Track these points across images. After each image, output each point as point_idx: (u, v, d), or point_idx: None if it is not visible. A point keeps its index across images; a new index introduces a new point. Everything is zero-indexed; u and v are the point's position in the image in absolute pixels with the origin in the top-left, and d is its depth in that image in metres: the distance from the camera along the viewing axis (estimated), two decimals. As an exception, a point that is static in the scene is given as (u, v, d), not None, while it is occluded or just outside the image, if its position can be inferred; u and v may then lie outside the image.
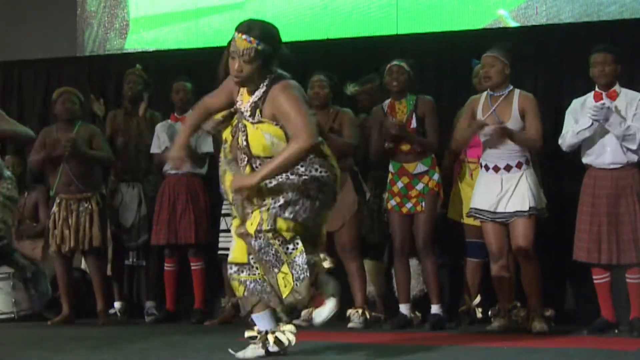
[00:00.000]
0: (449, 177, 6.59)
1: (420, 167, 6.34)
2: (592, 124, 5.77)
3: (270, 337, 4.55)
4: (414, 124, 6.34)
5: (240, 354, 4.60)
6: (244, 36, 4.31)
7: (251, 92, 4.43)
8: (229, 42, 4.39)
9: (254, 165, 4.40)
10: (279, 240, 4.32)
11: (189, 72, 7.67)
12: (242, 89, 4.47)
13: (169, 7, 8.30)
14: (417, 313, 6.47)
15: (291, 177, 4.33)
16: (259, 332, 4.60)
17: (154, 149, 7.22)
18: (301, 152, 4.27)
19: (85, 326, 6.84)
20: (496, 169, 5.93)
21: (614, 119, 5.72)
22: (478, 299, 6.52)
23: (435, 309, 6.33)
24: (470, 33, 7.30)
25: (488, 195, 5.91)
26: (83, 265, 7.34)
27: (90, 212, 6.95)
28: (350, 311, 6.42)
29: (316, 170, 4.36)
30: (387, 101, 6.47)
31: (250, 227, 4.35)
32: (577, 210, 5.95)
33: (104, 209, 7.04)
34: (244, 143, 4.38)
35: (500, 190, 5.88)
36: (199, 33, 8.15)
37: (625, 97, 5.86)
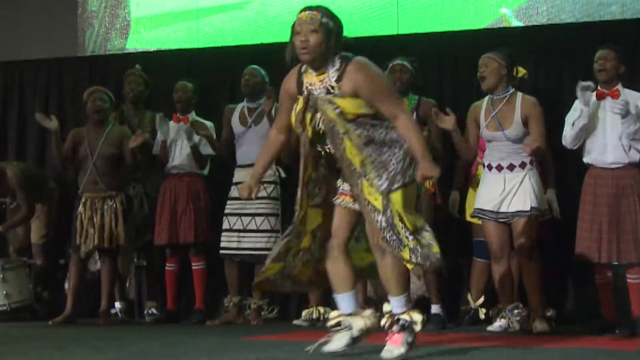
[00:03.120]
0: (464, 180, 6.60)
1: (417, 168, 6.33)
2: (582, 110, 5.76)
3: (355, 322, 4.51)
4: (413, 124, 6.34)
5: (326, 348, 4.51)
6: (307, 12, 4.43)
7: (317, 72, 4.44)
8: (292, 27, 4.46)
9: (352, 127, 4.36)
10: (401, 223, 4.32)
11: (190, 72, 7.67)
12: (304, 76, 4.48)
13: (170, 7, 8.30)
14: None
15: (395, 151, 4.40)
16: (342, 316, 4.54)
17: (157, 150, 7.22)
18: (416, 125, 4.45)
19: (86, 326, 6.84)
20: (499, 168, 5.93)
21: (630, 117, 5.69)
22: (482, 300, 6.52)
23: (435, 309, 6.34)
24: (471, 33, 7.29)
25: (491, 195, 5.90)
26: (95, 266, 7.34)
27: (114, 211, 6.95)
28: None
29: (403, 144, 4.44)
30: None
31: (375, 201, 4.32)
32: (578, 209, 5.96)
33: (129, 210, 7.04)
34: (337, 111, 4.34)
35: (503, 189, 5.88)
36: (200, 33, 8.15)
37: (628, 96, 5.86)
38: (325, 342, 4.52)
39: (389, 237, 4.33)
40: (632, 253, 5.77)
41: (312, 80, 4.48)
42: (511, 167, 5.90)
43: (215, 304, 7.28)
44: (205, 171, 7.22)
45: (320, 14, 4.42)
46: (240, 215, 6.77)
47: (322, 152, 4.52)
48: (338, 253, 4.55)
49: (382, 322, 4.46)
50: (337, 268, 4.56)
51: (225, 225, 6.86)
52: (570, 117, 5.94)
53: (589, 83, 5.73)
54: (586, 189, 5.92)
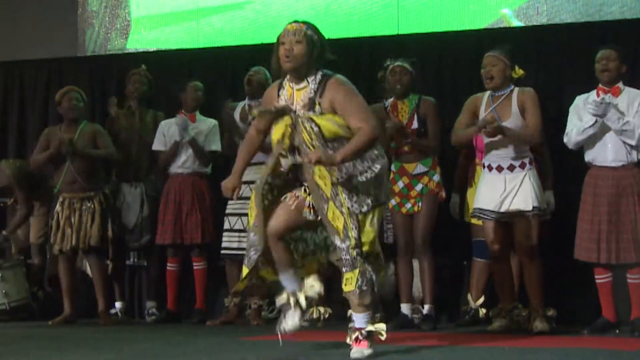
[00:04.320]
0: (463, 182, 6.61)
1: (420, 168, 6.34)
2: (596, 120, 5.77)
3: (301, 296, 4.74)
4: (415, 124, 6.35)
5: (281, 328, 4.74)
6: (294, 23, 4.63)
7: (298, 85, 4.61)
8: (277, 38, 4.64)
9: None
10: (357, 248, 4.53)
11: (191, 72, 7.67)
12: (283, 90, 4.65)
13: (171, 7, 8.30)
14: (421, 312, 6.44)
15: (362, 175, 4.56)
16: (289, 294, 4.75)
17: (158, 146, 7.21)
18: (369, 142, 4.51)
19: (86, 326, 6.84)
20: (499, 169, 5.93)
21: (612, 113, 5.71)
22: (482, 300, 6.52)
23: (427, 309, 6.32)
24: (471, 33, 7.29)
25: (491, 195, 5.90)
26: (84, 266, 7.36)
27: (92, 211, 6.97)
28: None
29: (375, 167, 4.60)
30: (390, 100, 6.48)
31: (339, 225, 4.51)
32: (578, 209, 5.96)
33: (106, 209, 7.05)
34: (315, 129, 4.52)
35: (503, 190, 5.88)
36: (200, 33, 8.15)
37: (628, 95, 5.87)
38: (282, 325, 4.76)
39: (344, 256, 4.54)
40: (631, 253, 5.77)
41: (291, 93, 4.63)
42: (511, 168, 5.90)
43: (215, 304, 7.28)
44: (209, 169, 7.21)
45: (306, 26, 4.62)
46: (240, 215, 6.76)
47: (293, 164, 4.65)
48: (275, 241, 4.68)
49: (347, 338, 4.65)
50: (277, 253, 4.70)
51: (226, 226, 6.86)
52: (573, 115, 5.93)
53: (607, 100, 5.73)
54: (586, 188, 5.92)
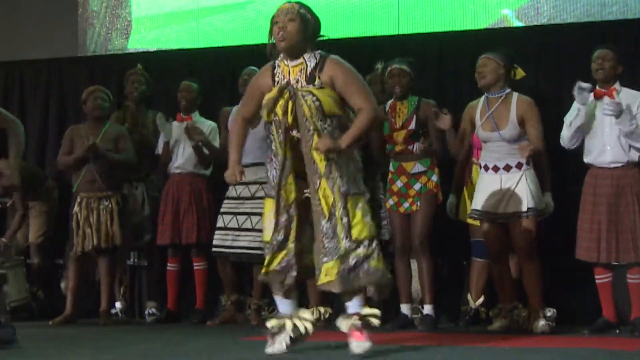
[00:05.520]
0: (461, 183, 6.60)
1: (418, 167, 6.34)
2: (579, 110, 5.77)
3: (289, 323, 4.67)
4: (413, 125, 6.35)
5: (269, 350, 4.67)
6: (287, 3, 4.61)
7: (294, 62, 4.58)
8: (271, 20, 4.63)
9: (324, 127, 4.50)
10: (345, 232, 4.46)
11: (191, 72, 7.67)
12: (278, 69, 4.62)
13: (171, 7, 8.30)
14: (420, 312, 6.44)
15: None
16: (283, 318, 4.69)
17: (160, 150, 7.22)
18: (370, 123, 4.54)
19: (86, 326, 6.84)
20: (495, 169, 5.93)
21: (625, 115, 5.70)
22: (482, 300, 6.52)
23: (428, 309, 6.31)
24: (471, 33, 7.30)
25: (488, 196, 5.91)
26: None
27: (110, 210, 6.96)
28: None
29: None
30: (390, 101, 6.48)
31: (325, 205, 4.49)
32: (578, 210, 5.96)
33: (124, 210, 7.04)
34: (316, 104, 4.49)
35: (500, 190, 5.88)
36: (201, 33, 8.15)
37: (626, 95, 5.86)
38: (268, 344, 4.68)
39: (327, 242, 4.49)
40: (630, 253, 5.78)
41: (288, 70, 4.60)
42: (507, 168, 5.90)
43: (215, 304, 7.28)
44: (208, 171, 7.21)
45: (299, 5, 4.60)
46: (235, 214, 6.75)
47: (296, 139, 4.60)
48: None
49: (342, 326, 4.59)
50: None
51: (219, 224, 6.82)
52: (568, 117, 5.95)
53: (588, 84, 5.75)
54: (586, 189, 5.93)
